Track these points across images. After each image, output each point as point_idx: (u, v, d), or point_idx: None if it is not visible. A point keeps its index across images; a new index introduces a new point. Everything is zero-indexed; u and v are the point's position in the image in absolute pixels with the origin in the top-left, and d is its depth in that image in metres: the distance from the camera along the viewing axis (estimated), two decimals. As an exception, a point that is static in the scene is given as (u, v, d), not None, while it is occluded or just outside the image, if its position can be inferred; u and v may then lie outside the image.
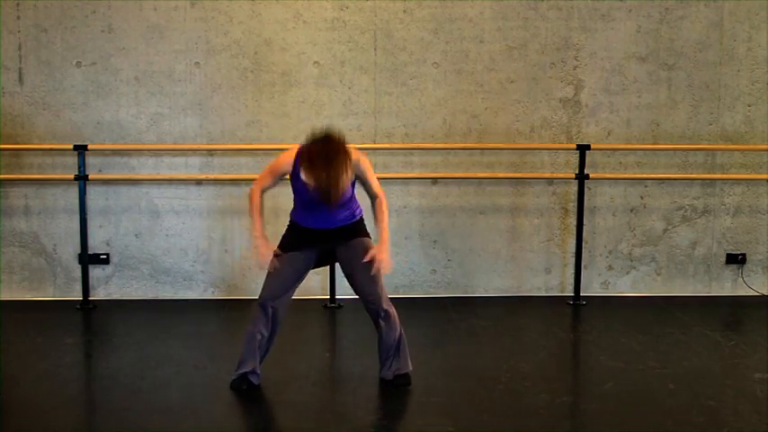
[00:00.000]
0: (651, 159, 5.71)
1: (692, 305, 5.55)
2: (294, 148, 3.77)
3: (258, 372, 3.88)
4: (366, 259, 3.72)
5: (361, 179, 3.80)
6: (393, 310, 3.88)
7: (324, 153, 3.51)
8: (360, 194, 3.90)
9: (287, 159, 3.77)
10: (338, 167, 3.50)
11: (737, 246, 5.81)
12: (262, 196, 3.88)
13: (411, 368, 3.94)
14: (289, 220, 3.97)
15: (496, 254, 5.73)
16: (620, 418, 3.59)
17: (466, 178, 5.59)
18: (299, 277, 3.89)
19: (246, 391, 3.86)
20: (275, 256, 3.80)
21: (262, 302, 3.81)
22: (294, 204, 3.90)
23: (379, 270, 3.73)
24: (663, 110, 5.66)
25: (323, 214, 3.76)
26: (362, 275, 3.78)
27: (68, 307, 5.42)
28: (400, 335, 3.91)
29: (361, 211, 3.92)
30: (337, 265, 4.07)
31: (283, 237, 3.93)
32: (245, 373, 3.85)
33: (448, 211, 5.66)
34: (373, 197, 3.84)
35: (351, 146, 3.67)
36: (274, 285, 3.81)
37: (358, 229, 3.88)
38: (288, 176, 3.81)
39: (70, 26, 5.41)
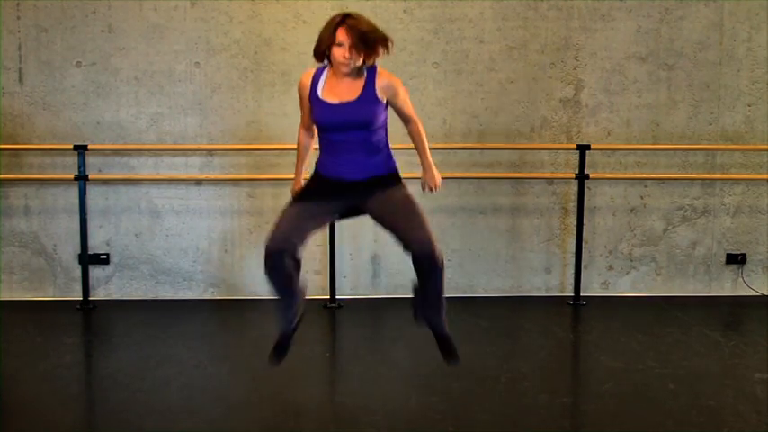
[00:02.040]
0: (651, 159, 5.71)
1: (692, 305, 5.55)
2: (312, 69, 3.37)
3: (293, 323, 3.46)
4: (425, 189, 3.40)
5: (394, 101, 3.36)
6: (443, 259, 3.28)
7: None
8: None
9: (304, 77, 3.36)
10: (358, 17, 3.26)
11: (737, 246, 5.81)
12: (308, 136, 3.53)
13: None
14: (313, 170, 3.48)
15: (496, 254, 5.73)
16: (620, 418, 3.59)
17: (466, 178, 5.59)
18: (318, 225, 3.38)
19: (247, 392, 3.87)
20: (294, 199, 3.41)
21: (272, 250, 3.21)
22: (320, 149, 3.42)
23: (432, 189, 3.39)
24: (663, 110, 5.66)
25: (354, 155, 3.31)
26: (406, 224, 3.26)
27: (68, 307, 5.42)
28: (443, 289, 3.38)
29: (395, 163, 3.48)
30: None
31: (304, 187, 3.47)
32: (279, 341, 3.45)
33: (448, 211, 5.66)
34: (407, 121, 3.44)
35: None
36: (286, 229, 3.26)
37: (392, 179, 3.42)
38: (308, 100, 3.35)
39: (70, 26, 5.41)
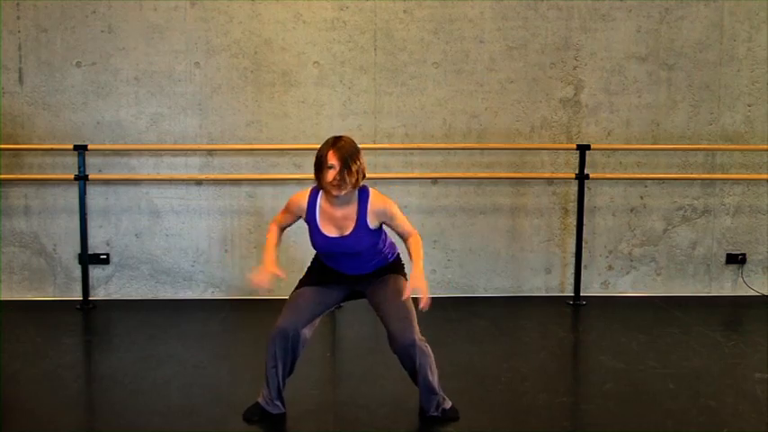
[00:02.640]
0: (651, 159, 5.71)
1: (692, 305, 5.55)
2: (308, 189, 3.48)
3: (277, 402, 3.55)
4: (404, 297, 3.34)
5: (389, 224, 3.44)
6: (426, 346, 3.45)
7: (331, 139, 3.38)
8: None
9: (299, 197, 3.47)
10: (347, 142, 3.31)
11: (737, 246, 5.81)
12: (280, 233, 3.55)
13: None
14: (314, 256, 3.63)
15: (496, 254, 5.73)
16: (620, 418, 3.59)
17: (466, 178, 5.59)
18: (324, 310, 3.54)
19: (247, 392, 3.87)
20: (297, 289, 3.54)
21: (280, 330, 3.39)
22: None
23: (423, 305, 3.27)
24: (663, 110, 5.66)
25: (352, 263, 3.47)
26: (392, 311, 3.39)
27: (68, 307, 5.42)
28: (434, 370, 3.51)
29: (395, 250, 3.61)
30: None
31: (307, 273, 3.62)
32: (257, 403, 3.57)
33: (448, 211, 5.66)
34: (406, 236, 3.46)
35: (379, 195, 3.45)
36: (295, 312, 3.43)
37: (392, 268, 3.56)
38: (303, 219, 3.48)
39: (70, 26, 5.41)
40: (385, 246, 3.57)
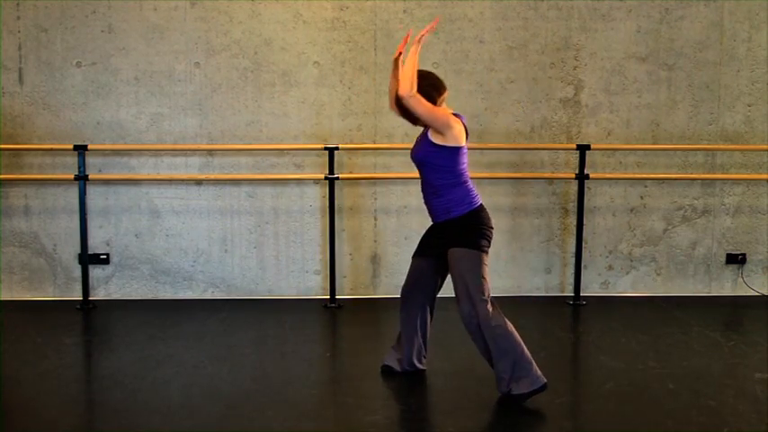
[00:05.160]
0: (651, 159, 5.71)
1: (692, 305, 5.55)
2: (452, 116, 3.79)
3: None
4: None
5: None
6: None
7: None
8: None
9: (458, 124, 3.79)
10: None
11: (737, 246, 5.81)
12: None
13: (507, 389, 3.72)
14: (473, 209, 3.83)
15: (496, 254, 5.72)
16: (620, 418, 3.59)
17: (466, 178, 5.58)
18: (432, 275, 4.18)
19: (247, 392, 3.87)
20: None
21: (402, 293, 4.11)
22: (466, 186, 3.84)
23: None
24: (663, 110, 5.66)
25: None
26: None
27: (68, 307, 5.42)
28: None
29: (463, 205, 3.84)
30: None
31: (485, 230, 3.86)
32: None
33: (448, 211, 5.65)
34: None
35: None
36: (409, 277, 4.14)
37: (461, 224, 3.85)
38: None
39: (70, 26, 5.41)
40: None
